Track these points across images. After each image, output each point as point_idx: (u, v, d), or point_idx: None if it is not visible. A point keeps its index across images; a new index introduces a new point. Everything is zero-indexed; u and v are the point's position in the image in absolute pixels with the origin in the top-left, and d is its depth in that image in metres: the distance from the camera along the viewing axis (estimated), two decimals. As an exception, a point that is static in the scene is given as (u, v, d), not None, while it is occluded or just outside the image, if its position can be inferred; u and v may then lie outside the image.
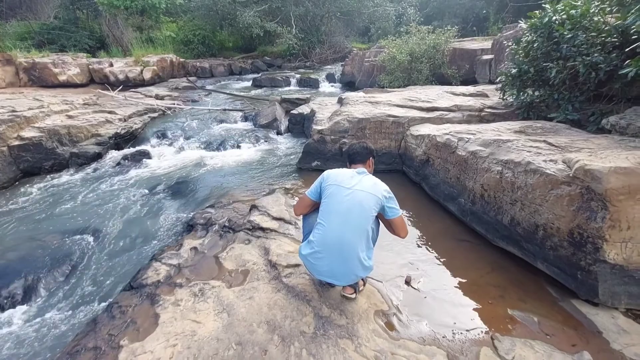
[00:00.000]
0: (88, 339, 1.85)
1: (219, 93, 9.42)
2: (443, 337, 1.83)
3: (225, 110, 7.40)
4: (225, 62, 13.77)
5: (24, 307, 2.51)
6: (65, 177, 4.75)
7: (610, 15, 3.26)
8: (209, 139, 5.80)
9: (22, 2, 13.62)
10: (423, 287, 2.24)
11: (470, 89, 5.42)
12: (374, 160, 2.15)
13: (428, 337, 1.83)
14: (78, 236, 3.25)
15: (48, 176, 4.78)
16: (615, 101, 3.26)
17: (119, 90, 8.58)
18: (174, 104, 7.81)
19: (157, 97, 8.30)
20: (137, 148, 5.52)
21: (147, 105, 7.25)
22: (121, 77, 9.65)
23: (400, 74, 7.96)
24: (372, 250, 1.92)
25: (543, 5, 3.66)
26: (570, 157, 2.17)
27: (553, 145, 2.52)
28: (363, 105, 4.77)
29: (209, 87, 10.53)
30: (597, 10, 3.24)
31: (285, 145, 5.67)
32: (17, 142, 4.78)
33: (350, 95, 5.58)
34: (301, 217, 2.17)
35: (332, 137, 4.33)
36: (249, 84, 11.42)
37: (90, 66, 9.59)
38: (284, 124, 6.52)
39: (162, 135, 6.00)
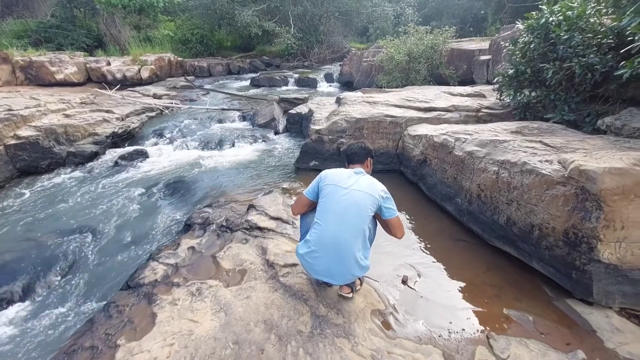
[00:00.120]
0: (85, 338, 1.85)
1: (217, 92, 9.41)
2: (439, 336, 1.85)
3: (223, 109, 7.39)
4: (223, 62, 13.76)
5: (20, 307, 2.50)
6: (62, 176, 4.73)
7: (606, 17, 3.29)
8: (206, 138, 5.79)
9: (18, 0, 13.52)
10: (420, 287, 2.25)
11: (467, 89, 5.45)
12: (372, 160, 2.16)
13: (424, 336, 1.84)
14: (75, 236, 3.24)
15: (45, 175, 4.75)
16: (610, 102, 3.28)
17: (117, 89, 8.55)
18: (172, 103, 7.79)
19: (155, 96, 8.27)
20: (135, 147, 5.50)
21: (145, 105, 7.23)
22: (119, 76, 9.62)
23: (398, 74, 7.98)
24: (368, 250, 1.93)
25: (540, 6, 3.68)
26: (566, 158, 2.18)
27: (549, 146, 2.54)
28: (361, 105, 4.78)
29: (207, 86, 10.51)
30: (593, 12, 3.27)
31: (283, 144, 5.67)
32: (13, 141, 4.75)
33: (348, 95, 5.59)
34: (299, 216, 2.17)
35: (330, 136, 4.33)
36: (247, 83, 11.42)
37: (87, 65, 9.55)
38: (282, 123, 6.52)
39: (160, 135, 5.98)
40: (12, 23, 11.86)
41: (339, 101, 5.39)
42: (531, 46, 3.66)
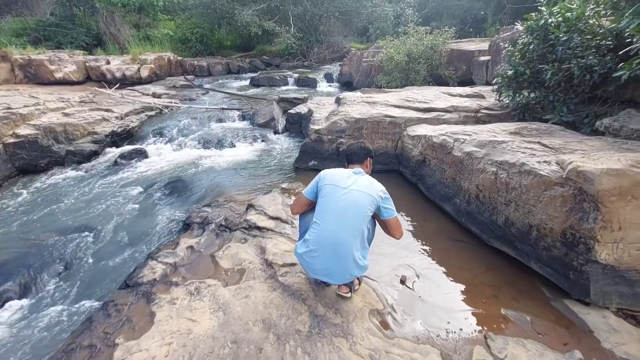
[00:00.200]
0: (83, 337, 1.85)
1: (216, 92, 9.40)
2: (437, 336, 1.85)
3: (222, 109, 7.38)
4: (223, 61, 13.74)
5: (19, 305, 2.50)
6: (61, 175, 4.72)
7: (605, 19, 3.30)
8: (206, 137, 5.78)
9: (18, -2, 13.51)
10: (418, 287, 2.26)
11: (467, 90, 5.45)
12: (371, 160, 2.16)
13: (422, 335, 1.85)
14: (74, 234, 3.24)
15: (44, 174, 4.75)
16: (609, 103, 3.29)
17: (116, 88, 8.54)
18: (171, 102, 7.79)
19: (155, 95, 8.26)
20: (134, 146, 5.49)
21: (144, 104, 7.22)
22: (118, 75, 9.60)
23: (397, 74, 7.99)
24: (367, 250, 1.94)
25: (539, 7, 3.69)
26: (564, 159, 2.19)
27: (547, 147, 2.55)
28: (360, 105, 4.78)
29: (206, 85, 10.50)
30: (592, 14, 3.28)
31: (283, 144, 5.67)
32: (12, 140, 4.74)
33: (347, 95, 5.60)
34: (298, 216, 2.18)
35: (330, 136, 4.34)
36: (247, 83, 11.41)
37: (87, 64, 9.52)
38: (281, 123, 6.52)
39: (159, 134, 5.97)
40: (11, 21, 11.84)
41: (338, 101, 5.39)
42: (530, 47, 3.67)
